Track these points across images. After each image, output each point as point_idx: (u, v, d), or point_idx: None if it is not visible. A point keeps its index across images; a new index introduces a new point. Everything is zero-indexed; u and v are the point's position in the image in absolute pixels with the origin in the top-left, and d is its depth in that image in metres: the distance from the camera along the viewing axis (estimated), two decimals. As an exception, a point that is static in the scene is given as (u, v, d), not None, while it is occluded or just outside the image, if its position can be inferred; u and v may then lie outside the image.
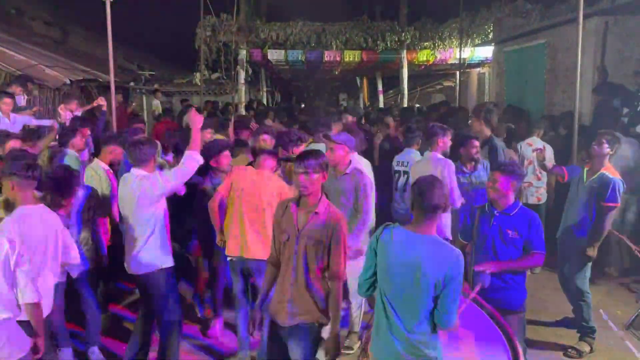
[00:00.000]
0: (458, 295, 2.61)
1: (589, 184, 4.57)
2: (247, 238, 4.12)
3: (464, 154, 5.19)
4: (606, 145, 4.52)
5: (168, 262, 3.92)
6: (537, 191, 6.47)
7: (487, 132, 5.69)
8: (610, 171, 4.52)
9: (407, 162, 5.46)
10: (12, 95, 6.40)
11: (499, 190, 3.60)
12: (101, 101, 7.10)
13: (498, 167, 3.71)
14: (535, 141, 6.46)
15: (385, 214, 5.71)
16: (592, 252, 4.51)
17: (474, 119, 6.01)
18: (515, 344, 2.94)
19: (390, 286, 2.66)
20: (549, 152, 6.19)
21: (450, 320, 2.59)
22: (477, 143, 5.20)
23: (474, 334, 3.02)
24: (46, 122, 6.40)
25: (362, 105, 20.63)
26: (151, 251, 3.83)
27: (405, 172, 5.44)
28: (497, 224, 3.61)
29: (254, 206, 4.12)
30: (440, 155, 5.01)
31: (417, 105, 14.88)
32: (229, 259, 4.24)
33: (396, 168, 5.62)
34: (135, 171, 3.84)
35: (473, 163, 5.17)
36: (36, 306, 2.91)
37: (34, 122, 6.30)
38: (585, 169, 4.67)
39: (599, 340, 4.69)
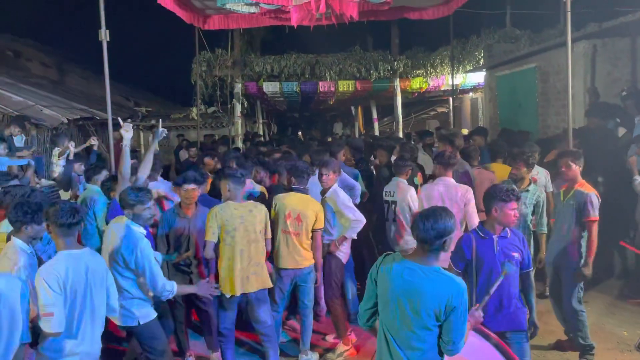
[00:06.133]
0: (463, 325, 2.57)
1: (567, 203, 4.61)
2: (250, 273, 4.30)
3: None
4: (574, 165, 4.56)
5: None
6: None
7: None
8: (584, 187, 4.55)
9: (394, 192, 5.32)
10: None
11: (517, 217, 3.60)
12: (93, 140, 7.33)
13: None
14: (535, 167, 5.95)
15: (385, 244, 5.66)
16: (588, 270, 4.51)
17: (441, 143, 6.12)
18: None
19: (391, 316, 2.62)
20: (544, 179, 5.86)
21: (456, 350, 2.58)
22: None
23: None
24: (22, 162, 6.65)
25: (357, 134, 20.76)
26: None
27: (394, 202, 5.29)
28: (501, 248, 3.56)
29: (250, 241, 4.30)
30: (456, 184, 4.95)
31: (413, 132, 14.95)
32: (229, 296, 4.30)
33: (385, 198, 5.45)
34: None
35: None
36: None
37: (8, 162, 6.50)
38: (562, 190, 4.71)
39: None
